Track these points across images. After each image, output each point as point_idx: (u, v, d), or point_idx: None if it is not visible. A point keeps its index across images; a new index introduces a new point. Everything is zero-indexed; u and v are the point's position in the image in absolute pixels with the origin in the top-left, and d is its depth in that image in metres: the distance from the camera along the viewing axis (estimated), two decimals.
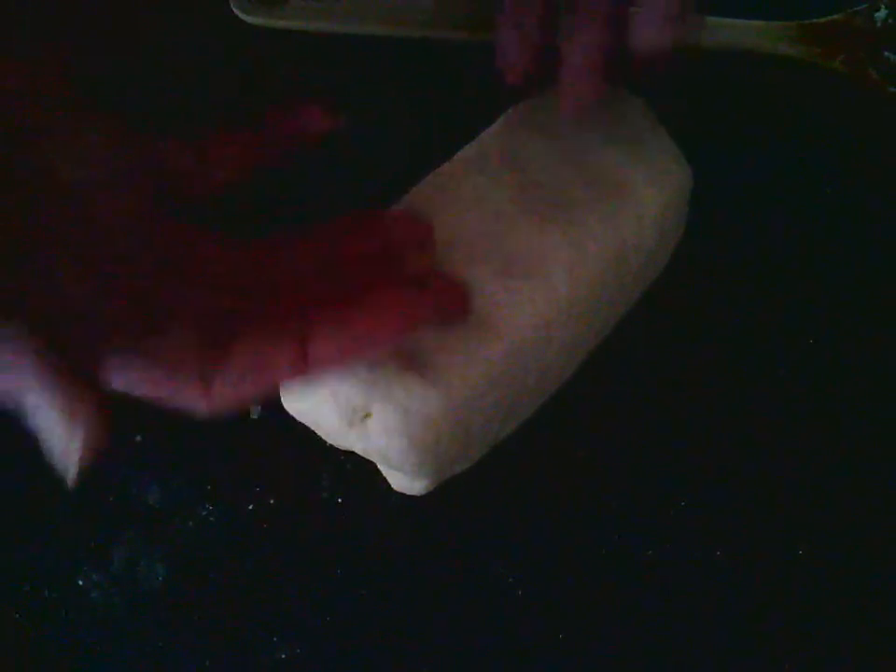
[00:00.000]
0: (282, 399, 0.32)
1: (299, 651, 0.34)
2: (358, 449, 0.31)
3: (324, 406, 0.30)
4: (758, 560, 0.35)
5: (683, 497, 0.36)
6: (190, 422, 0.36)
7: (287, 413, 0.32)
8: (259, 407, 0.37)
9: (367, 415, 0.30)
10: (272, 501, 0.36)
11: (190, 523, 0.36)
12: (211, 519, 0.36)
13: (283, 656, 0.34)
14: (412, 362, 0.30)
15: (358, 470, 0.36)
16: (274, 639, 0.34)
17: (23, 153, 0.24)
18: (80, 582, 0.35)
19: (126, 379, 0.24)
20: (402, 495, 0.34)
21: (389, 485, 0.34)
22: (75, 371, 0.23)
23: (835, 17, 0.43)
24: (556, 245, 0.32)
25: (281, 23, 0.42)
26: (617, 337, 0.36)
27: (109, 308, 0.24)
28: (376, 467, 0.34)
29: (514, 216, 0.32)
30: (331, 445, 0.33)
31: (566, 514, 0.36)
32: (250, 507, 0.36)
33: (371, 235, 0.28)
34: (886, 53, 0.42)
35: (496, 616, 0.35)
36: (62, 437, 0.24)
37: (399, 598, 0.35)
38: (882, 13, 0.43)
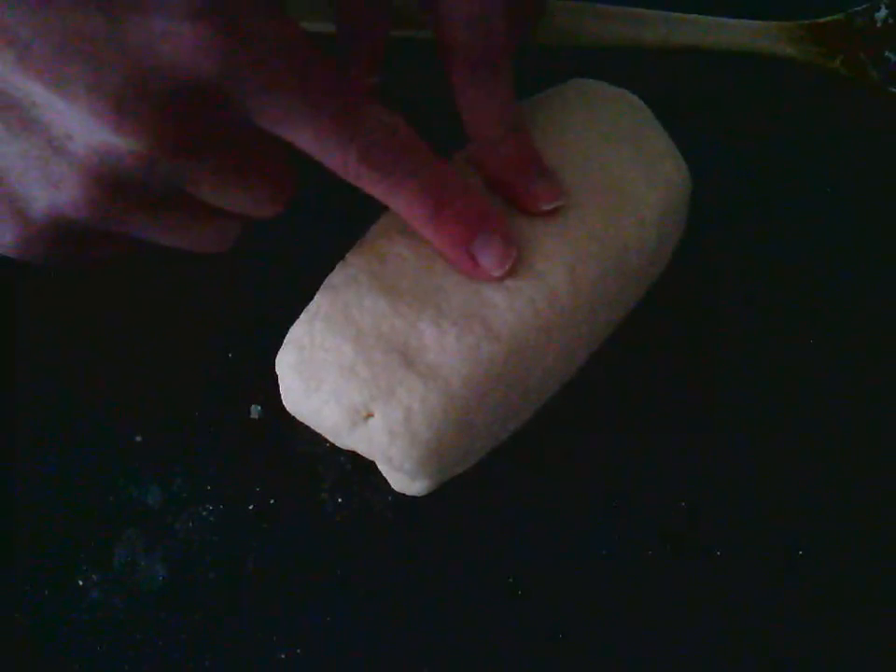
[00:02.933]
0: (282, 398, 0.32)
1: (299, 651, 0.34)
2: (360, 449, 0.31)
3: (325, 406, 0.30)
4: (758, 560, 0.35)
5: (683, 496, 0.36)
6: (190, 422, 0.36)
7: (287, 413, 0.32)
8: (259, 407, 0.37)
9: (368, 415, 0.30)
10: (272, 501, 0.36)
11: (190, 523, 0.36)
12: (211, 519, 0.36)
13: (283, 656, 0.34)
14: (413, 363, 0.30)
15: (358, 470, 0.36)
16: (274, 639, 0.34)
17: None
18: (80, 582, 0.35)
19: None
20: (402, 495, 0.34)
21: (389, 485, 0.34)
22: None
23: (835, 17, 0.43)
24: (556, 245, 0.32)
25: None
26: (617, 338, 0.36)
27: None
28: (376, 467, 0.34)
29: (514, 216, 0.32)
30: (331, 445, 0.33)
31: (565, 514, 0.36)
32: (250, 507, 0.36)
33: None
34: (886, 53, 0.42)
35: (496, 616, 0.35)
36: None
37: (399, 598, 0.35)
38: (882, 13, 0.43)
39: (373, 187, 0.29)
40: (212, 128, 0.27)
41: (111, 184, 0.26)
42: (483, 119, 0.32)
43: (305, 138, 0.27)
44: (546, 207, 0.32)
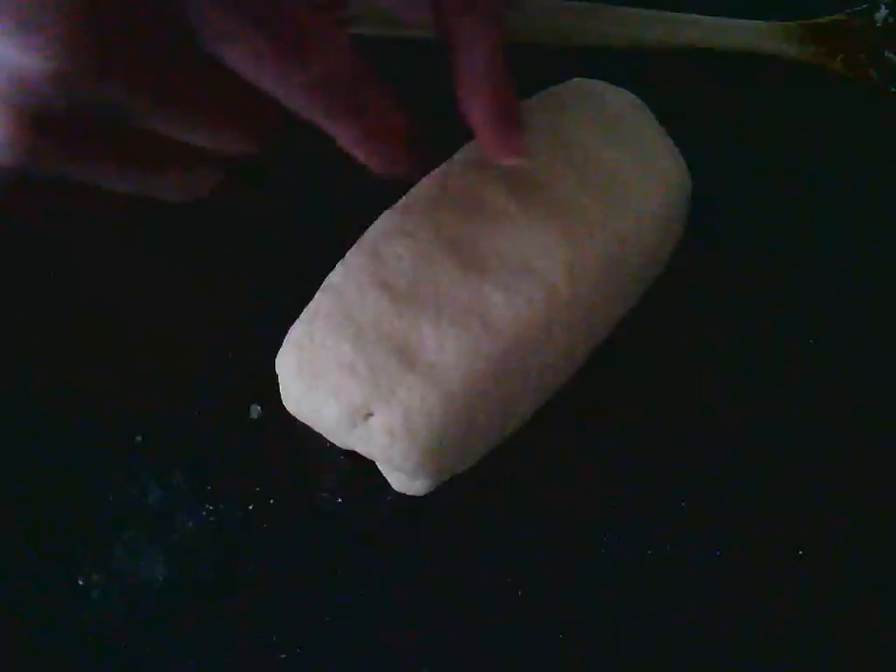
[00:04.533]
0: (282, 398, 0.32)
1: (299, 651, 0.34)
2: (360, 449, 0.31)
3: (325, 406, 0.31)
4: (758, 560, 0.35)
5: (683, 496, 0.36)
6: (190, 422, 0.37)
7: (287, 413, 0.32)
8: (259, 407, 0.37)
9: (368, 415, 0.30)
10: (272, 501, 0.36)
11: (190, 523, 0.36)
12: (211, 519, 0.36)
13: (283, 656, 0.34)
14: (413, 362, 0.30)
15: (358, 470, 0.36)
16: (274, 639, 0.34)
17: None
18: (80, 582, 0.35)
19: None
20: (402, 495, 0.34)
21: (389, 485, 0.34)
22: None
23: (835, 17, 0.43)
24: (556, 244, 0.32)
25: None
26: (617, 337, 0.36)
27: None
28: (376, 467, 0.34)
29: (514, 215, 0.32)
30: (331, 445, 0.33)
31: (565, 514, 0.36)
32: (250, 507, 0.36)
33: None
34: (886, 53, 0.42)
35: (496, 616, 0.35)
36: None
37: (400, 599, 0.35)
38: (882, 13, 0.43)
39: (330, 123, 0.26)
40: (137, 44, 0.23)
41: (36, 118, 0.23)
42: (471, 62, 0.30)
43: (239, 59, 0.24)
44: (506, 161, 0.30)
